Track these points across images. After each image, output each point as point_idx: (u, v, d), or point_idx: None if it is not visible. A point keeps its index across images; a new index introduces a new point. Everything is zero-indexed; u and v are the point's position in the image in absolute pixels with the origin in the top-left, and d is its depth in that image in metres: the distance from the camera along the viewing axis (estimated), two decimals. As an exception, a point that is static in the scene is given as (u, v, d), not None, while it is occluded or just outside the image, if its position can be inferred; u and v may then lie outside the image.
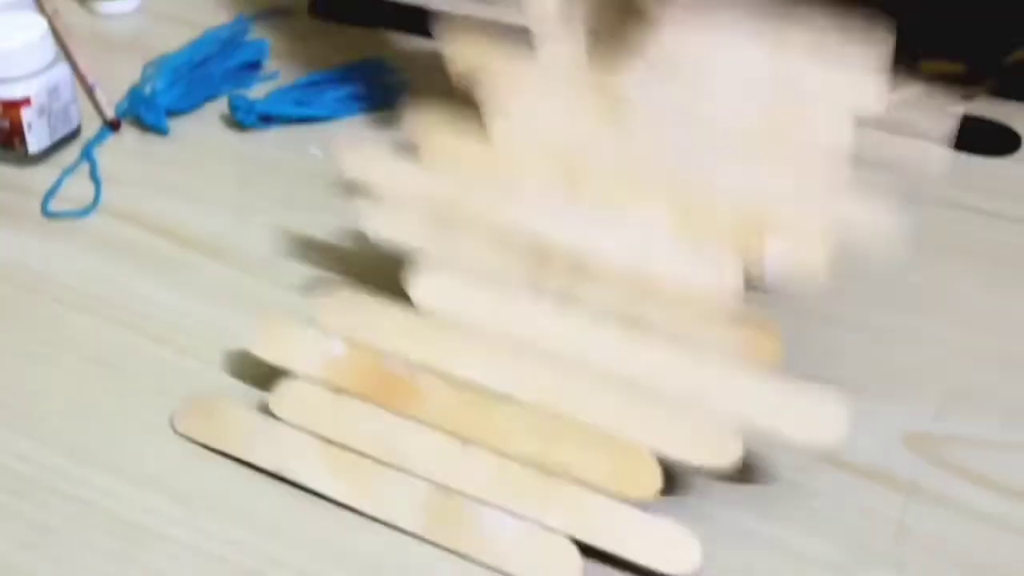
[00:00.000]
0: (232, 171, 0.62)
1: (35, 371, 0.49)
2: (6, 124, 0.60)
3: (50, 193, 0.59)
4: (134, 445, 0.46)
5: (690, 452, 0.42)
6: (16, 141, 0.60)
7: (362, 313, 0.48)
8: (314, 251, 0.56)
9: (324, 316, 0.48)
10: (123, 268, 0.55)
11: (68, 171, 0.60)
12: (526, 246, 0.49)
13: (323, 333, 0.47)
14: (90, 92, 0.67)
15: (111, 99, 0.66)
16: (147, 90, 0.62)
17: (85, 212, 0.57)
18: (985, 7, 0.65)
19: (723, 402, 0.43)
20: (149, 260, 0.55)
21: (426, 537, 0.42)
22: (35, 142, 0.61)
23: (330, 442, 0.45)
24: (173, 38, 0.73)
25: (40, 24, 0.60)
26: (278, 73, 0.68)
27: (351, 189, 0.52)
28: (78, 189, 0.60)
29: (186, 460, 0.45)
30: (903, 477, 0.45)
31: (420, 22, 0.73)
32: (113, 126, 0.64)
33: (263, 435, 0.45)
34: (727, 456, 0.42)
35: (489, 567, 0.41)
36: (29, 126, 0.60)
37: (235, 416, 0.46)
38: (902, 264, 0.53)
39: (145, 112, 0.61)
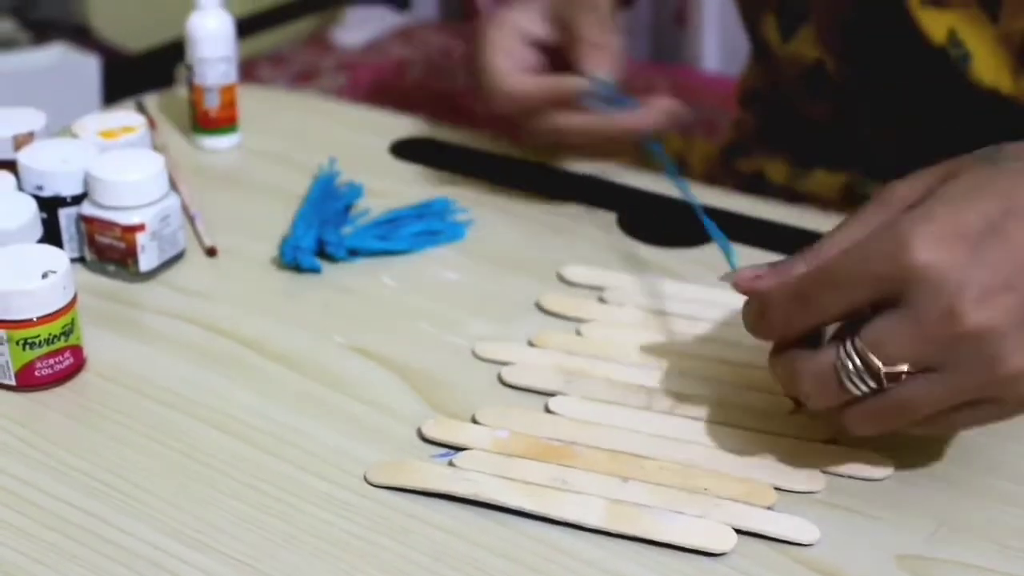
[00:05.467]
0: (318, 296, 0.69)
1: (138, 460, 0.56)
2: (122, 245, 0.68)
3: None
4: (223, 529, 0.53)
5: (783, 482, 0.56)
6: (130, 261, 0.69)
7: (516, 416, 0.59)
8: (384, 368, 0.63)
9: (485, 417, 0.58)
10: (215, 375, 0.62)
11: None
12: (636, 387, 0.61)
13: (489, 427, 0.58)
14: (192, 221, 0.75)
15: (209, 227, 0.74)
16: (294, 240, 0.71)
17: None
18: None
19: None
20: (238, 369, 0.63)
21: (610, 530, 0.52)
22: (146, 262, 0.69)
23: (512, 480, 0.55)
24: (268, 173, 0.82)
25: (158, 161, 0.69)
26: (369, 210, 0.76)
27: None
28: (175, 302, 0.68)
29: (267, 543, 0.52)
30: (895, 592, 0.51)
31: (485, 167, 0.81)
32: (210, 252, 0.72)
33: (455, 478, 0.55)
34: (815, 484, 0.55)
35: (667, 545, 0.52)
36: (142, 248, 0.68)
37: (425, 467, 0.56)
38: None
39: (301, 258, 0.70)
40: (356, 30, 1.92)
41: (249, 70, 1.79)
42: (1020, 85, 0.77)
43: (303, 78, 1.78)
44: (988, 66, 0.77)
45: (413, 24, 1.96)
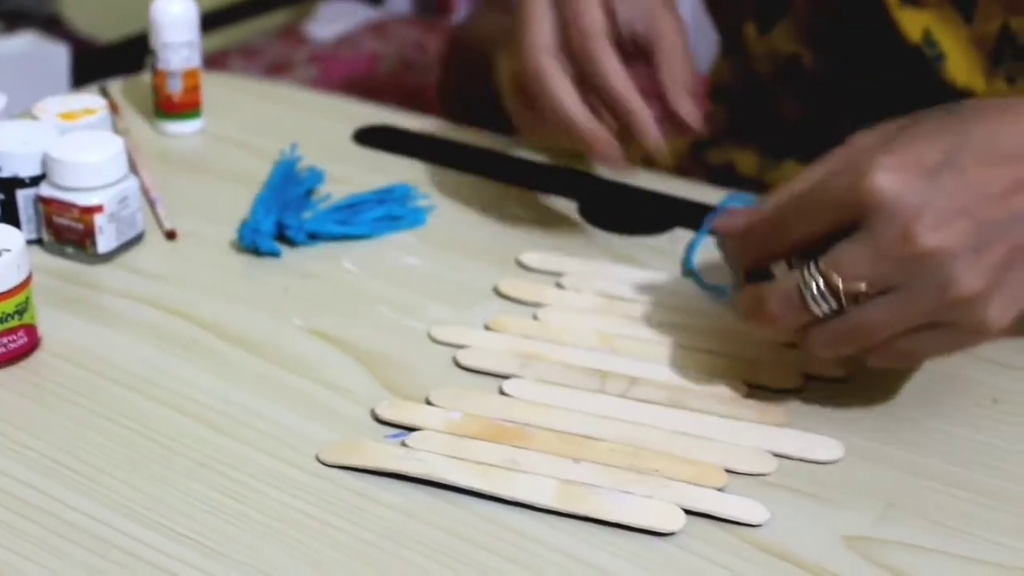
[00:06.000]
0: (277, 280, 0.69)
1: (92, 440, 0.56)
2: (80, 227, 0.68)
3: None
4: (177, 508, 0.53)
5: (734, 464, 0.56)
6: (88, 242, 0.69)
7: (470, 398, 0.59)
8: (342, 351, 0.63)
9: (439, 399, 0.58)
10: (172, 356, 0.62)
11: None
12: (590, 370, 0.61)
13: (442, 408, 0.58)
14: (152, 205, 0.75)
15: (171, 211, 0.74)
16: (253, 223, 0.71)
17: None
18: None
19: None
20: (195, 351, 0.63)
21: (560, 509, 0.52)
22: (104, 244, 0.69)
23: (463, 460, 0.55)
24: (231, 159, 0.82)
25: (117, 142, 0.69)
26: (330, 195, 0.76)
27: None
28: (133, 284, 0.68)
29: (220, 523, 0.52)
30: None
31: (447, 154, 0.81)
32: (170, 236, 0.72)
33: (407, 458, 0.55)
34: (765, 466, 0.56)
35: (616, 525, 0.52)
36: (100, 229, 0.68)
37: (378, 447, 0.56)
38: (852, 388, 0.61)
39: (260, 241, 0.70)
40: (329, 23, 1.92)
41: (221, 62, 1.79)
42: (993, 86, 0.78)
43: (275, 70, 1.78)
44: (962, 66, 0.77)
45: (386, 18, 1.96)
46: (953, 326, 0.53)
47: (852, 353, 0.55)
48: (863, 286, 0.52)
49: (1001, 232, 0.52)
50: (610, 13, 0.69)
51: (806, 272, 0.54)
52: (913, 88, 0.80)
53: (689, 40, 0.71)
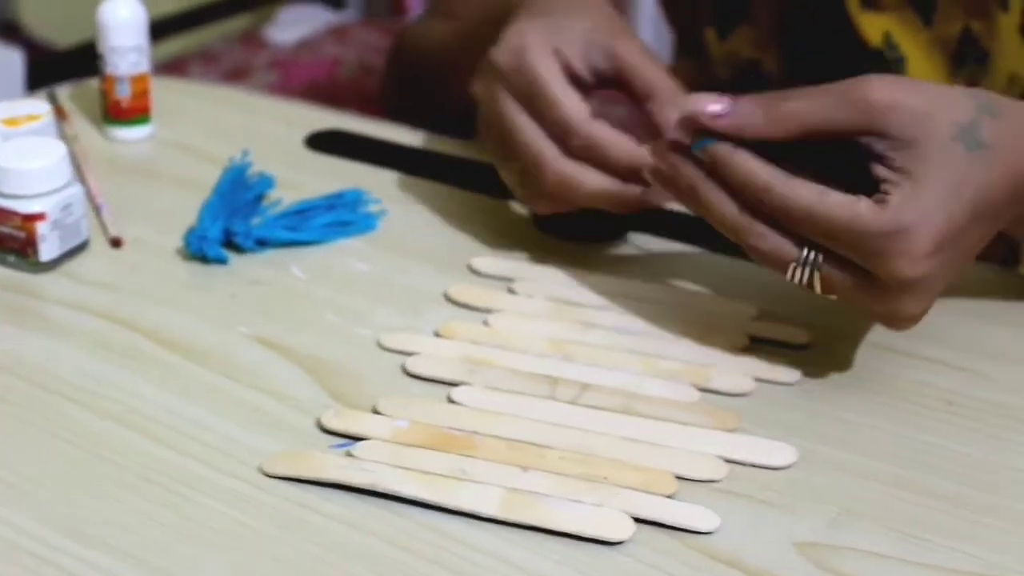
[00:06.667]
0: (225, 287, 0.68)
1: (30, 452, 0.55)
2: (22, 235, 0.67)
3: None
4: (115, 522, 0.51)
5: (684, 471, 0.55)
6: (30, 251, 0.67)
7: (418, 406, 0.58)
8: (288, 359, 0.62)
9: (386, 407, 0.57)
10: (113, 366, 0.61)
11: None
12: (540, 376, 0.60)
13: (389, 417, 0.57)
14: (97, 212, 0.74)
15: (117, 219, 0.73)
16: (200, 230, 0.69)
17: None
18: None
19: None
20: (139, 361, 0.62)
21: (506, 519, 0.51)
22: (46, 252, 0.67)
23: (409, 469, 0.54)
24: (180, 165, 0.80)
25: (60, 149, 0.68)
26: (280, 201, 0.75)
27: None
28: (76, 293, 0.67)
29: (160, 536, 0.51)
30: (793, 580, 0.50)
31: (400, 159, 0.81)
32: (115, 243, 0.71)
33: (352, 468, 0.54)
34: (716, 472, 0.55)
35: (564, 534, 0.51)
36: (43, 238, 0.67)
37: (323, 458, 0.55)
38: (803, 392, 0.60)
39: (208, 249, 0.69)
40: (290, 28, 1.90)
41: (180, 68, 1.77)
42: None
43: (235, 76, 1.77)
44: (922, 69, 0.77)
45: (348, 23, 1.95)
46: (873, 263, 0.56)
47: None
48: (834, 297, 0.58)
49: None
50: (567, 67, 0.66)
51: (804, 261, 0.57)
52: None
53: (655, 58, 0.69)
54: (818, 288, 0.57)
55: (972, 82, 0.77)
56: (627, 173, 0.65)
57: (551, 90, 0.65)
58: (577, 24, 0.67)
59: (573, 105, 0.65)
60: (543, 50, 0.66)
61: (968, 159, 0.56)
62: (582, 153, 0.65)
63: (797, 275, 0.57)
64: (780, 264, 0.58)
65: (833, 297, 0.58)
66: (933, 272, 0.56)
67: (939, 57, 0.77)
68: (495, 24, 0.70)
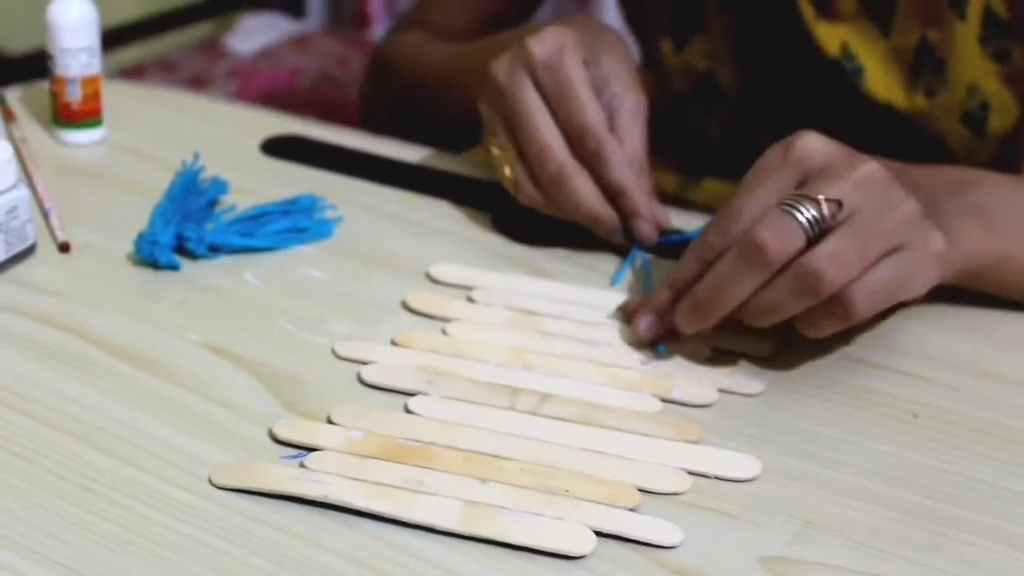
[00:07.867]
0: (175, 294, 0.66)
1: (-32, 463, 0.53)
2: (-35, 238, 0.65)
3: None
4: (50, 532, 0.49)
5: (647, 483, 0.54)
6: (-27, 255, 0.65)
7: (373, 416, 0.56)
8: (239, 367, 0.60)
9: (340, 417, 0.56)
10: (56, 372, 0.59)
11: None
12: (499, 386, 0.59)
13: (343, 427, 0.55)
14: (46, 216, 0.72)
15: (65, 223, 0.71)
16: (151, 235, 0.68)
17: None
18: None
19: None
20: (85, 368, 0.60)
21: (463, 532, 0.50)
22: (-10, 256, 0.66)
23: (363, 481, 0.52)
24: (133, 169, 0.78)
25: (6, 150, 0.66)
26: (234, 206, 0.73)
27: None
28: (21, 298, 0.64)
29: (97, 548, 0.49)
30: (757, 595, 0.49)
31: (357, 165, 0.79)
32: (63, 248, 0.69)
33: (304, 479, 0.52)
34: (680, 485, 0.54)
35: (523, 548, 0.49)
36: (-14, 241, 0.65)
37: (274, 469, 0.53)
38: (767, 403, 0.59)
39: (159, 254, 0.67)
40: (250, 37, 1.88)
41: (139, 75, 1.75)
42: (913, 100, 0.77)
43: (194, 84, 1.74)
44: (880, 80, 0.77)
45: (309, 32, 1.93)
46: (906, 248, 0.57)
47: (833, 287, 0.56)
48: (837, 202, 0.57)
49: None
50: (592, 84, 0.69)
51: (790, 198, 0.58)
52: (832, 102, 0.79)
53: (645, 119, 0.70)
54: (823, 202, 0.58)
55: (930, 91, 0.76)
56: (615, 195, 0.68)
57: (581, 94, 0.67)
58: (606, 57, 0.70)
59: (597, 114, 0.67)
60: (578, 57, 0.68)
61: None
62: (588, 159, 0.67)
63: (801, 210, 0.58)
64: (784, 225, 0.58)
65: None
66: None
67: (897, 67, 0.76)
68: (498, 43, 0.73)
